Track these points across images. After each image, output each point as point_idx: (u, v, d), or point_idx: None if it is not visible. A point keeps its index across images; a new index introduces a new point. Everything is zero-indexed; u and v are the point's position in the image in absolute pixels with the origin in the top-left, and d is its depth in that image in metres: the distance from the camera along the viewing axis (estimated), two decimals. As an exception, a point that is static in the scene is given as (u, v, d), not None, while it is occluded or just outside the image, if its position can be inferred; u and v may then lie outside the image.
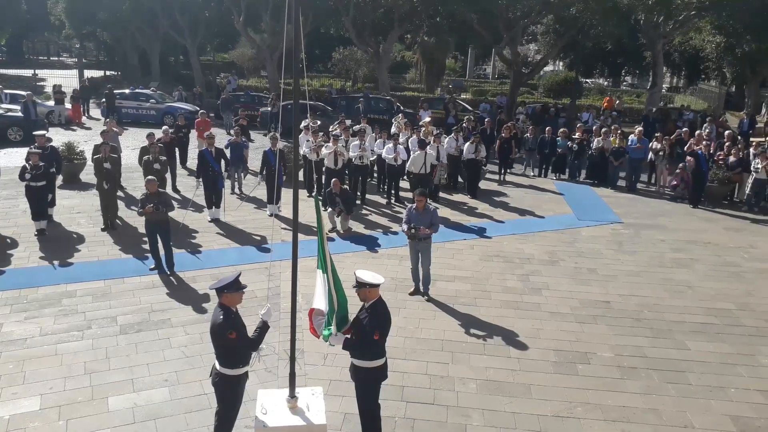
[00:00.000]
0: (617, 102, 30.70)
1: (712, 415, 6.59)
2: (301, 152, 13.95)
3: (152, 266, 10.07)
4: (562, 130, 18.63)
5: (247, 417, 5.88)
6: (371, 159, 15.23)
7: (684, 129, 19.76)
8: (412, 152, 14.31)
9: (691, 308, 9.29)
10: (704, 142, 16.67)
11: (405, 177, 14.94)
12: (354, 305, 5.70)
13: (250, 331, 5.41)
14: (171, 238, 10.17)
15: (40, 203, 11.60)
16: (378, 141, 15.47)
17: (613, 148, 17.15)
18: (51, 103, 26.17)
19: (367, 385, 5.65)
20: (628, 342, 8.15)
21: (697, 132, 19.41)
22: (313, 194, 14.13)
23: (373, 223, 13.06)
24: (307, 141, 14.34)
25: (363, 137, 14.69)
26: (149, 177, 10.06)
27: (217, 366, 5.35)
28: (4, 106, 22.72)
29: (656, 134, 17.93)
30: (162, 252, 10.06)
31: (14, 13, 40.16)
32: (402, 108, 25.45)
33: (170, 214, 12.62)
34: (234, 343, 5.19)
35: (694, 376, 7.35)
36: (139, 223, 12.47)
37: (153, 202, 9.59)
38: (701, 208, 15.29)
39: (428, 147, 14.09)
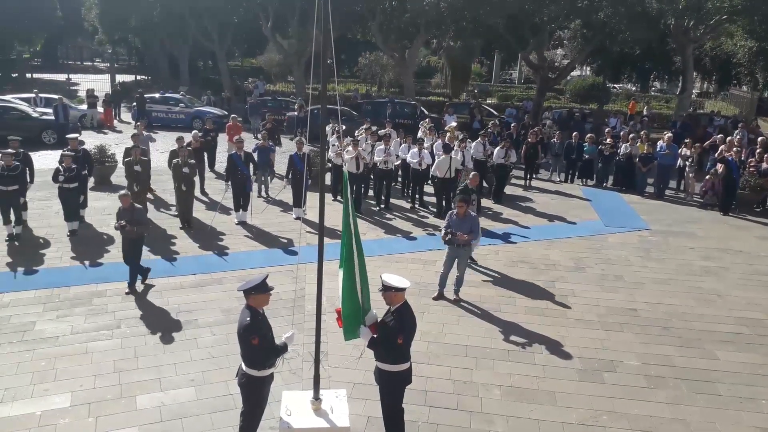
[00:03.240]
0: (645, 107, 30.27)
1: (742, 427, 6.46)
2: (327, 156, 14.05)
3: (128, 289, 9.36)
4: (589, 135, 18.45)
5: (272, 418, 5.93)
6: (396, 164, 15.27)
7: (719, 135, 19.39)
8: (436, 157, 14.32)
9: (720, 317, 9.12)
10: (735, 149, 16.36)
11: (429, 181, 14.95)
12: (379, 308, 5.72)
13: (276, 331, 5.47)
14: (141, 255, 9.59)
15: (73, 205, 11.86)
16: (403, 145, 15.50)
17: (641, 153, 16.93)
18: (84, 106, 26.77)
19: (391, 389, 5.67)
20: (656, 351, 8.03)
21: (728, 138, 19.05)
22: (338, 198, 14.20)
23: (397, 228, 13.09)
24: (333, 145, 14.44)
25: (388, 142, 14.74)
26: (123, 192, 9.44)
27: (243, 367, 5.42)
28: (39, 109, 23.31)
29: (686, 140, 17.66)
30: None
31: (49, 19, 41.13)
32: (427, 113, 25.45)
33: (195, 214, 12.96)
34: (256, 348, 5.26)
35: (724, 386, 7.21)
36: (167, 224, 12.71)
37: (126, 217, 9.08)
38: (732, 215, 15.00)
39: (453, 151, 14.08)
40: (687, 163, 16.68)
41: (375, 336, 5.55)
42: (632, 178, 17.08)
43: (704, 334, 8.54)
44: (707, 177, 15.74)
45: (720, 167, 15.12)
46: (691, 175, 16.62)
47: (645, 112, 29.19)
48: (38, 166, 13.57)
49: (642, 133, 18.33)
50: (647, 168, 16.88)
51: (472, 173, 10.85)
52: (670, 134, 17.63)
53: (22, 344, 7.69)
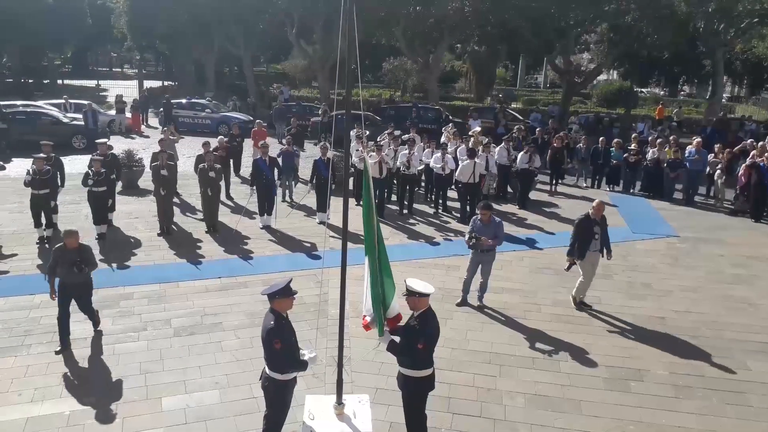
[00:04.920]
0: (675, 111, 29.80)
1: (774, 440, 6.30)
2: (351, 161, 14.07)
3: (57, 349, 7.70)
4: (616, 140, 18.22)
5: (295, 422, 5.95)
6: (419, 168, 15.25)
7: (750, 140, 18.98)
8: (460, 162, 14.26)
9: (752, 326, 8.90)
10: (767, 154, 15.98)
11: (453, 186, 14.89)
12: (404, 313, 5.71)
13: (300, 335, 5.49)
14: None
15: (101, 208, 12.06)
16: (426, 150, 15.47)
17: (669, 159, 16.65)
18: (112, 112, 27.27)
19: (414, 395, 5.65)
20: (684, 360, 7.87)
21: (760, 143, 18.62)
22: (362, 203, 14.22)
23: (420, 233, 13.05)
24: (357, 150, 14.48)
25: (412, 147, 14.73)
26: (69, 229, 7.80)
27: (267, 370, 5.44)
28: (69, 115, 23.81)
29: (716, 145, 17.32)
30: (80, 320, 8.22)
31: (80, 27, 42.09)
32: (451, 117, 25.39)
33: (221, 218, 13.08)
34: (279, 352, 5.28)
35: (756, 397, 7.03)
36: (193, 227, 12.85)
37: (74, 259, 7.58)
38: (763, 222, 14.66)
39: (477, 156, 14.01)
40: (717, 169, 16.34)
41: (394, 339, 5.53)
42: (660, 184, 16.80)
43: (735, 344, 8.34)
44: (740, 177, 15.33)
45: (745, 172, 14.76)
46: (720, 181, 16.29)
47: (675, 117, 28.71)
48: (68, 170, 13.84)
49: (671, 138, 18.02)
50: (675, 174, 16.59)
51: (597, 202, 9.52)
52: (699, 139, 17.32)
53: (52, 345, 7.82)
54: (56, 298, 7.73)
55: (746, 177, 15.07)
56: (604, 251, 9.37)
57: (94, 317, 8.22)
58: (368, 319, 5.59)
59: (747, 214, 15.05)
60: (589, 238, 9.16)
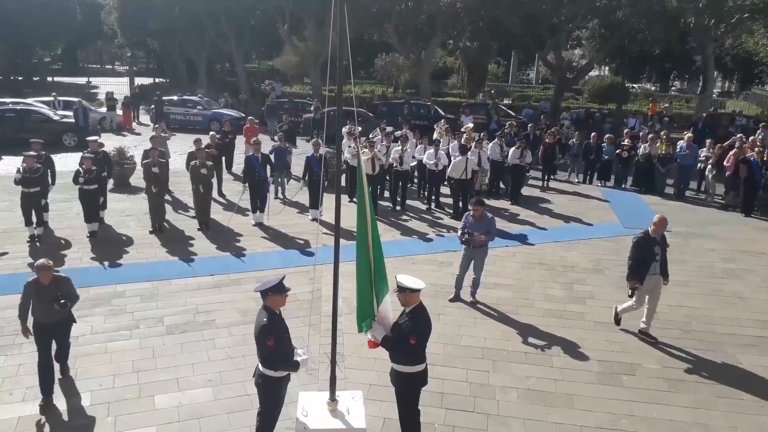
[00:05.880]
0: (665, 106, 29.93)
1: (765, 432, 6.35)
2: (343, 158, 14.06)
3: (41, 403, 6.52)
4: (608, 136, 18.28)
5: (289, 419, 5.95)
6: (411, 165, 15.24)
7: (740, 135, 19.08)
8: (453, 158, 14.27)
9: (742, 320, 8.97)
10: (757, 149, 16.09)
11: (446, 183, 14.91)
12: (395, 310, 5.71)
13: (293, 332, 5.48)
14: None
15: (93, 206, 12.00)
16: (419, 147, 15.48)
17: (660, 154, 16.73)
18: (103, 109, 27.11)
19: (407, 390, 5.66)
20: (676, 354, 7.93)
21: (751, 138, 18.74)
22: (354, 199, 14.22)
23: (413, 229, 13.06)
24: (349, 147, 14.47)
25: (405, 143, 14.73)
26: (41, 263, 6.56)
27: (260, 367, 5.44)
28: (60, 113, 23.65)
29: (707, 140, 17.42)
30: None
31: (69, 24, 41.76)
32: (443, 114, 25.39)
33: (213, 216, 13.03)
34: (271, 349, 5.27)
35: (746, 390, 7.08)
36: (185, 225, 12.81)
37: (52, 295, 6.49)
38: (754, 216, 14.76)
39: (469, 152, 14.03)
40: (708, 163, 16.42)
41: (388, 335, 5.54)
42: (652, 179, 16.88)
43: (726, 337, 8.40)
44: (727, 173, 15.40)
45: (741, 167, 14.84)
46: (711, 175, 16.39)
47: (665, 112, 28.86)
48: (59, 168, 13.76)
49: (662, 133, 18.11)
50: (666, 169, 16.68)
51: (658, 217, 8.45)
52: (690, 134, 17.41)
53: (43, 344, 7.76)
54: (30, 337, 6.69)
55: (732, 169, 15.15)
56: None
57: (65, 361, 7.06)
58: (371, 337, 5.59)
59: (737, 209, 15.15)
60: (648, 260, 8.16)
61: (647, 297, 8.30)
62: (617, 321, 8.73)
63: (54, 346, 6.80)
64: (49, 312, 6.53)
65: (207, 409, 6.56)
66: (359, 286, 5.50)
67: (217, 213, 13.49)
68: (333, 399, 5.63)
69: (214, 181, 14.06)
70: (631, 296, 8.41)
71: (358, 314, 5.56)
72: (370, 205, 5.54)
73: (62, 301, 6.49)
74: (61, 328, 6.80)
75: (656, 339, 8.26)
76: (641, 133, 18.90)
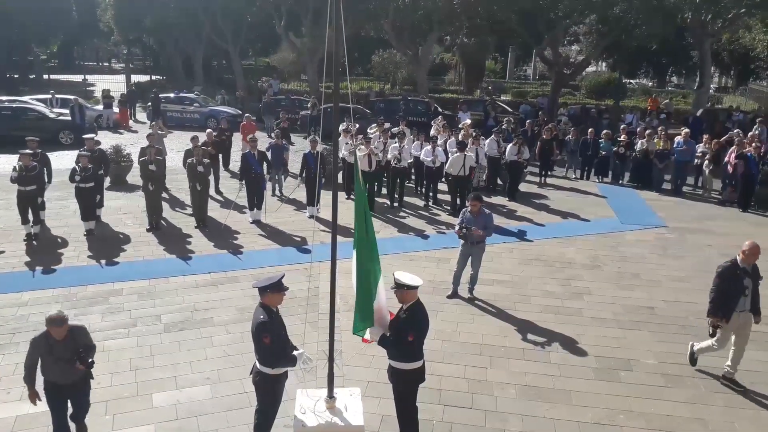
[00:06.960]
0: (665, 102, 29.95)
1: (761, 427, 6.37)
2: (340, 155, 14.05)
3: None
4: (605, 132, 18.28)
5: (286, 416, 5.94)
6: (409, 161, 15.23)
7: (737, 131, 19.09)
8: (450, 154, 14.26)
9: (740, 315, 8.97)
10: (754, 144, 16.11)
11: (443, 179, 14.90)
12: (392, 307, 5.71)
13: (290, 330, 5.48)
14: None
15: (89, 204, 11.97)
16: (416, 143, 15.46)
17: (657, 150, 16.74)
18: (100, 107, 27.03)
19: (405, 387, 5.66)
20: (673, 349, 7.94)
21: (749, 134, 18.76)
22: (352, 196, 14.22)
23: (410, 226, 13.06)
24: (346, 144, 14.44)
25: (402, 140, 14.71)
26: (55, 316, 5.32)
27: (258, 365, 5.43)
28: (56, 110, 23.58)
29: (704, 136, 17.42)
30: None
31: (65, 21, 41.67)
32: (440, 110, 25.37)
33: (210, 213, 13.01)
34: (268, 347, 5.27)
35: (744, 385, 7.09)
36: (182, 223, 12.79)
37: (71, 352, 5.41)
38: (751, 212, 14.79)
39: (467, 149, 14.02)
40: (705, 159, 16.43)
41: (386, 334, 5.53)
42: (649, 174, 16.89)
43: (723, 333, 8.40)
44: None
45: (738, 163, 14.85)
46: (708, 171, 16.40)
47: (663, 108, 28.87)
48: (55, 166, 13.71)
49: (659, 129, 18.12)
50: (663, 164, 16.69)
51: (750, 244, 7.34)
52: (687, 130, 17.42)
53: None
54: (40, 402, 5.63)
55: (732, 165, 15.17)
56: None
57: (83, 420, 5.89)
58: (368, 337, 5.57)
59: (735, 204, 15.17)
60: (736, 294, 6.98)
61: (733, 337, 7.12)
62: (693, 361, 7.49)
63: (69, 406, 5.77)
64: (67, 372, 5.44)
65: (205, 406, 6.56)
66: (359, 290, 5.42)
67: (214, 211, 13.47)
68: (331, 396, 5.64)
69: (211, 178, 14.04)
70: (712, 335, 7.20)
71: (355, 318, 5.50)
72: (363, 198, 5.48)
73: (90, 360, 5.45)
74: (79, 387, 5.67)
75: (744, 387, 6.98)
76: (638, 129, 18.89)
